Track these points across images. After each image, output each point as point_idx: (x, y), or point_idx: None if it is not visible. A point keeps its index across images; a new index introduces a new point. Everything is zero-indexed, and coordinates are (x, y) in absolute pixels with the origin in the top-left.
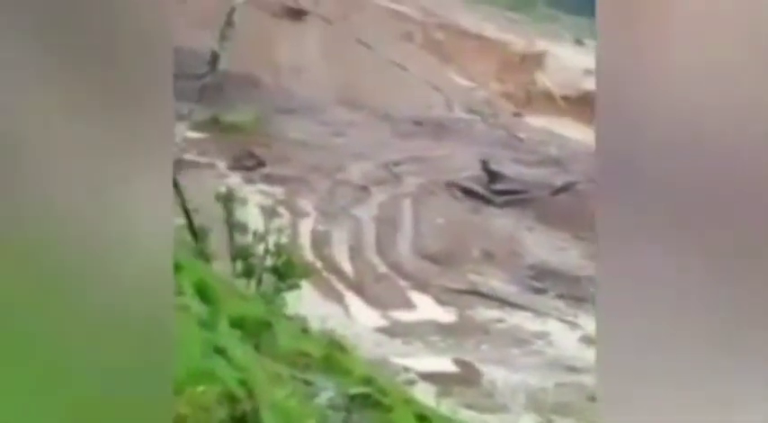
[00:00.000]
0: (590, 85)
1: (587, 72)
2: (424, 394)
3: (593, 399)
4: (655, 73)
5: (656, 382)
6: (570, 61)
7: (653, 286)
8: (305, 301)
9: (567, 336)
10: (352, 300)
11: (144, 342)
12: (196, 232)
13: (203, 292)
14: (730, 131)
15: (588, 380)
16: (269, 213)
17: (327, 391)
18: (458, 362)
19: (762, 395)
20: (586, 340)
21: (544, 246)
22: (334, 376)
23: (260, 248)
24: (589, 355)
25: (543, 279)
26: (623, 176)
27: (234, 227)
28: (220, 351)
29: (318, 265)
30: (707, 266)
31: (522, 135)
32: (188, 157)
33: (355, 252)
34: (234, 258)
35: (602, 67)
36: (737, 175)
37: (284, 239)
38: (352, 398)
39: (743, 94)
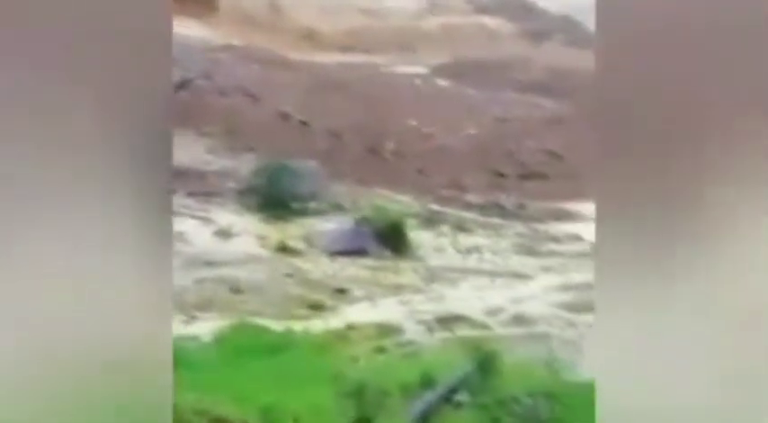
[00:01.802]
0: None
1: None
2: None
3: (235, 291)
4: None
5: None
6: None
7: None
8: None
9: (201, 232)
10: None
11: None
12: None
13: None
14: None
15: (226, 272)
16: None
17: None
18: None
19: None
20: (220, 234)
21: None
22: None
23: None
24: (224, 247)
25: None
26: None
27: None
28: None
29: None
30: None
31: None
32: None
33: None
34: None
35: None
36: None
37: None
38: None
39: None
